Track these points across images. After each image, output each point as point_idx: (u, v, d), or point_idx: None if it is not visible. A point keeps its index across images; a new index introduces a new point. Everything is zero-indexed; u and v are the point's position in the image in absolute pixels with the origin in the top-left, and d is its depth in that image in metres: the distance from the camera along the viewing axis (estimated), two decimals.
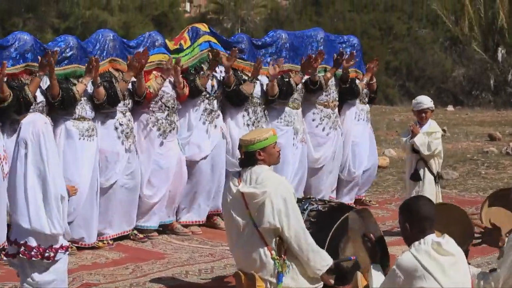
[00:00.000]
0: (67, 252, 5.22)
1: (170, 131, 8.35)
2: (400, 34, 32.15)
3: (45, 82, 7.60)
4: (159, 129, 8.31)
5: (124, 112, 8.09)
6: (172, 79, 8.35)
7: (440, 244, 4.55)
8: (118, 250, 7.97)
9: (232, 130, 8.89)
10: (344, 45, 9.97)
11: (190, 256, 7.74)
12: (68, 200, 5.21)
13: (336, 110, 9.83)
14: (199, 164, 8.69)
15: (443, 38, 31.86)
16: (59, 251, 5.07)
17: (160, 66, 8.27)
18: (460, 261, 4.60)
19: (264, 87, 9.04)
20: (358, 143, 10.06)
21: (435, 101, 9.23)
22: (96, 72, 7.69)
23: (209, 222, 8.93)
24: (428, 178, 8.47)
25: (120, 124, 8.04)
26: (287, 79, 9.15)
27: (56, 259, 5.07)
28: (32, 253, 5.01)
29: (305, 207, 6.58)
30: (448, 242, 4.60)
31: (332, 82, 9.66)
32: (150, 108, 8.29)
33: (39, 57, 7.37)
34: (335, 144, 9.73)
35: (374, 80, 10.20)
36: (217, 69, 8.78)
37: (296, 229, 5.85)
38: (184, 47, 8.74)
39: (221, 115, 8.86)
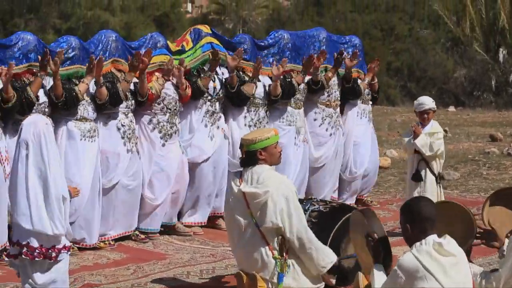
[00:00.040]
0: (69, 253, 5.22)
1: (171, 133, 8.34)
2: (402, 35, 32.16)
3: (48, 82, 7.61)
4: (160, 131, 8.31)
5: (126, 113, 8.09)
6: (174, 81, 8.35)
7: (441, 245, 4.55)
8: (120, 250, 7.97)
9: (234, 131, 8.89)
10: (346, 46, 9.98)
11: (191, 257, 7.75)
12: (70, 201, 5.22)
13: (338, 109, 9.84)
14: (201, 166, 8.68)
15: (445, 38, 31.87)
16: (62, 251, 5.08)
17: (162, 67, 8.28)
18: (461, 262, 4.60)
19: (267, 88, 9.05)
20: (360, 143, 10.06)
21: (437, 102, 9.21)
22: (99, 71, 7.70)
23: (211, 223, 8.93)
24: (430, 179, 8.46)
25: (122, 125, 8.04)
26: (289, 79, 9.16)
27: (58, 259, 5.07)
28: (35, 253, 5.01)
29: (306, 208, 6.58)
30: (449, 243, 4.60)
31: (334, 81, 9.67)
32: (152, 110, 8.29)
33: (39, 57, 7.38)
34: (336, 143, 9.73)
35: (376, 80, 10.21)
36: (219, 70, 8.78)
37: (298, 227, 5.84)
38: (186, 49, 8.74)
39: (223, 116, 8.86)
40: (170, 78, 8.28)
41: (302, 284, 5.90)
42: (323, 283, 6.06)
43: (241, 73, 8.96)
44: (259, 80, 8.96)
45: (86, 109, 7.80)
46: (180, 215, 8.78)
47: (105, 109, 7.92)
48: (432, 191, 8.36)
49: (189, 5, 46.19)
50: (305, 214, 6.32)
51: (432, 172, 8.47)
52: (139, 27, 32.31)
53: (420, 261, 4.50)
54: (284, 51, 9.33)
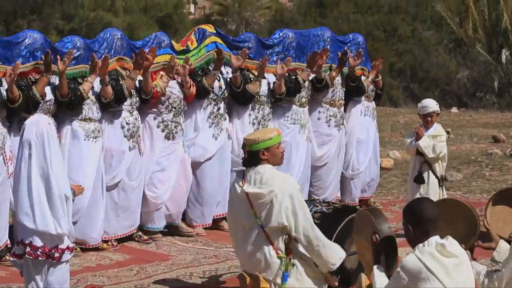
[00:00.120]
0: (72, 254, 5.23)
1: (175, 132, 8.35)
2: (405, 36, 32.12)
3: (54, 80, 7.61)
4: (164, 130, 8.32)
5: (131, 111, 8.10)
6: (179, 79, 8.36)
7: (444, 246, 4.55)
8: (123, 251, 7.98)
9: (238, 129, 8.89)
10: (349, 44, 9.98)
11: (194, 258, 7.75)
12: (73, 199, 5.22)
13: (342, 109, 9.84)
14: (204, 165, 8.69)
15: (447, 40, 31.84)
16: (66, 252, 5.08)
17: (166, 66, 8.28)
18: (464, 263, 4.61)
19: (271, 86, 9.05)
20: (363, 140, 10.04)
21: (439, 103, 9.21)
22: (105, 70, 7.70)
23: (215, 225, 8.92)
24: (432, 181, 8.46)
25: (127, 123, 8.05)
26: (294, 77, 9.15)
27: (61, 260, 5.08)
28: (38, 252, 5.02)
29: (309, 209, 6.57)
30: (452, 244, 4.61)
31: (338, 81, 9.67)
32: (157, 109, 8.30)
33: (42, 56, 7.39)
34: (339, 142, 9.73)
35: (380, 77, 10.22)
36: (223, 70, 8.78)
37: (304, 225, 5.81)
38: (191, 48, 8.75)
39: (227, 117, 8.86)
40: (175, 76, 8.29)
41: (305, 285, 5.89)
42: (326, 284, 6.05)
43: (246, 71, 8.96)
44: (264, 78, 8.96)
45: (90, 108, 7.80)
46: (184, 216, 8.78)
47: (110, 107, 7.92)
48: (434, 193, 8.34)
49: (192, 6, 46.19)
50: None
51: (434, 174, 8.47)
52: (142, 28, 32.28)
53: (423, 262, 4.51)
54: (288, 49, 9.32)
